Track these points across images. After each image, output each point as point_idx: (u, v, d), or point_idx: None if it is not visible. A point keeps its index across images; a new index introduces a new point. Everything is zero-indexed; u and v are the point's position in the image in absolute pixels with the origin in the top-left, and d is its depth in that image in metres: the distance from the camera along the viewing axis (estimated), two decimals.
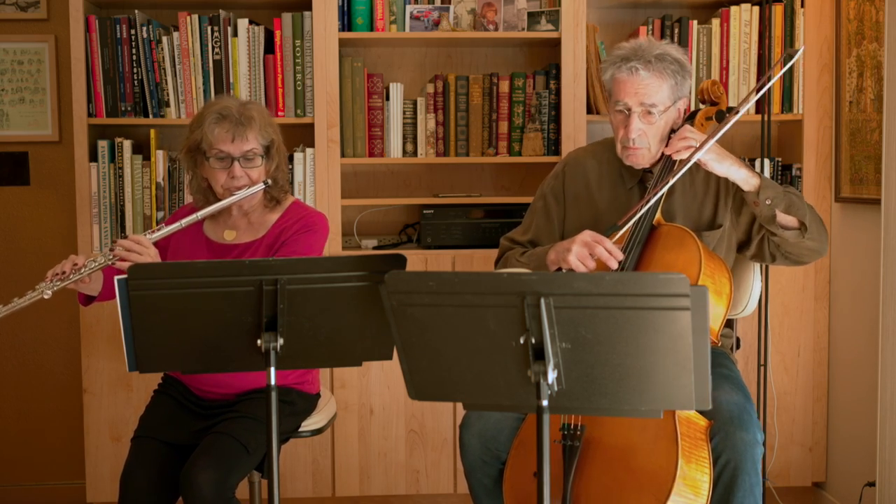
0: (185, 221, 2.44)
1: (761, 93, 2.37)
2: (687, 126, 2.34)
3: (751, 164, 3.33)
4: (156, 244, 2.41)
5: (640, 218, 2.29)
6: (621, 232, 2.27)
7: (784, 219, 2.30)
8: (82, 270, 2.33)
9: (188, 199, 3.26)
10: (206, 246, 2.57)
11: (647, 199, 2.29)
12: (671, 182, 2.26)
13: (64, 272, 2.34)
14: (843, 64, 3.24)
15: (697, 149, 2.25)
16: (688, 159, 2.26)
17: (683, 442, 2.06)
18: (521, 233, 2.63)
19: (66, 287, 2.34)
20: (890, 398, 2.78)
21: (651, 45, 2.38)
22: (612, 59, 2.40)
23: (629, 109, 2.36)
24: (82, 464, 3.33)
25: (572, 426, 2.14)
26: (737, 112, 2.33)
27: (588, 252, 2.23)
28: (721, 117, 2.49)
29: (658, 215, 2.34)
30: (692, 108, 2.55)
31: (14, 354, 3.59)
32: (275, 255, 2.49)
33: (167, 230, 2.43)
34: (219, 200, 2.49)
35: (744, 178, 2.28)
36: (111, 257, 2.34)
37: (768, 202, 2.27)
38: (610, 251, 2.21)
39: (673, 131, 2.42)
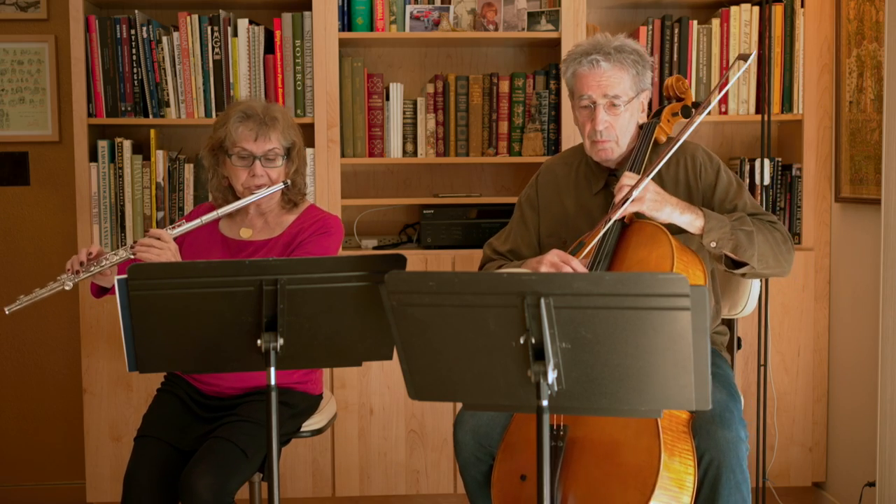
0: (205, 218, 2.47)
1: (713, 103, 2.37)
2: (626, 174, 2.30)
3: (751, 163, 3.34)
4: (174, 240, 2.42)
5: (607, 230, 2.29)
6: (589, 248, 2.28)
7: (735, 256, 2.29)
8: (103, 263, 2.36)
9: (189, 198, 3.27)
10: (221, 243, 2.59)
11: (612, 214, 2.28)
12: (635, 194, 2.23)
13: (83, 262, 2.36)
14: (843, 64, 3.23)
15: (641, 179, 2.24)
16: (638, 184, 2.25)
17: (665, 435, 2.06)
18: (501, 241, 2.66)
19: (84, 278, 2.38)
20: (890, 398, 2.78)
21: (608, 39, 2.43)
22: (572, 56, 2.44)
23: (594, 103, 2.40)
24: (82, 464, 3.33)
25: (555, 427, 2.14)
26: (691, 123, 2.32)
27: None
28: (687, 113, 2.50)
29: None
30: (657, 105, 2.55)
31: (14, 354, 3.59)
32: (291, 255, 2.51)
33: (188, 226, 2.46)
34: (238, 199, 2.52)
35: (688, 221, 2.28)
36: (131, 252, 2.37)
37: (713, 245, 2.26)
38: (576, 270, 2.23)
39: (641, 127, 2.44)
